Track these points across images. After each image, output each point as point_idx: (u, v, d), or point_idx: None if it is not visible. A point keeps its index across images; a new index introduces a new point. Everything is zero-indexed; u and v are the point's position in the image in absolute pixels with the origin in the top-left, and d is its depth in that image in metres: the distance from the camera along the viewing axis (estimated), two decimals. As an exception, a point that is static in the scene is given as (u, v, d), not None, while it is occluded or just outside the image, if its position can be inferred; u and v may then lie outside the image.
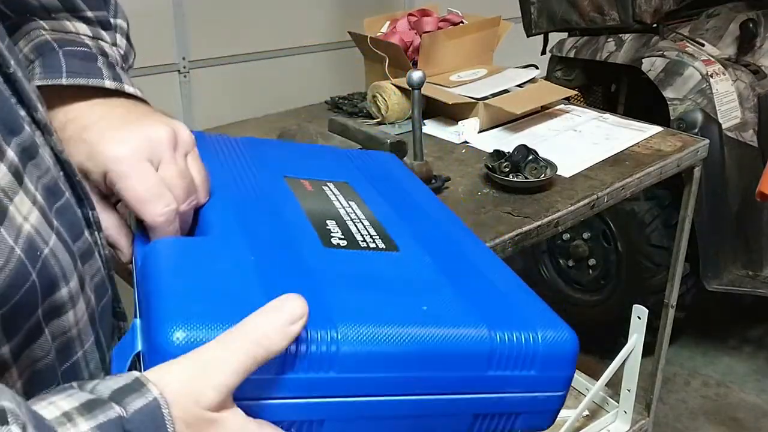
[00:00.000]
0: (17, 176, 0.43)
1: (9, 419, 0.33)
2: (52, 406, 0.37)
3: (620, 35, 2.05)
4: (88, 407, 0.37)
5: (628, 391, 1.39)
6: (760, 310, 2.27)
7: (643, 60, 1.92)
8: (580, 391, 1.47)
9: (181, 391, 0.40)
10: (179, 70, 2.33)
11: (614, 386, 1.42)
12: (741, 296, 2.13)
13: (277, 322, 0.42)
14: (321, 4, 2.60)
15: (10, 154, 0.43)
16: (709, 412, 2.03)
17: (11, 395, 0.35)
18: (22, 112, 0.48)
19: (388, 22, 1.68)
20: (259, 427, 0.43)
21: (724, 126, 1.88)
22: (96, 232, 0.54)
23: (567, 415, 1.38)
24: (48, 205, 0.47)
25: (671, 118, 1.87)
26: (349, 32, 1.64)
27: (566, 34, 2.20)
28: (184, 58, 2.32)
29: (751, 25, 2.04)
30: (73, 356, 0.49)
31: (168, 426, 0.39)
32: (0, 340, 0.42)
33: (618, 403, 1.42)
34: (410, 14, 1.68)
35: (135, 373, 0.40)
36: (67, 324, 0.47)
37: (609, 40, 2.06)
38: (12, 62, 0.48)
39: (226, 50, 2.40)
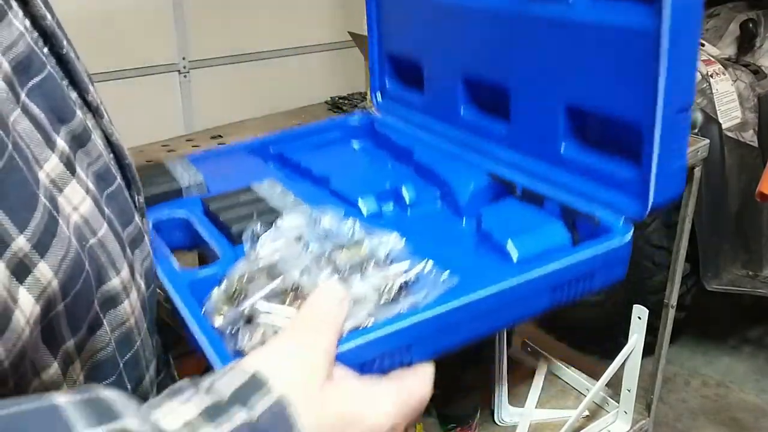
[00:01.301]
0: (69, 166, 0.43)
1: None
2: (172, 416, 0.36)
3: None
4: (211, 414, 0.36)
5: (629, 391, 1.38)
6: (760, 310, 2.27)
7: (643, 60, 1.92)
8: (580, 392, 1.47)
9: (293, 381, 0.41)
10: (179, 70, 2.32)
11: (614, 386, 1.42)
12: (741, 296, 2.13)
13: (331, 300, 0.49)
14: (321, 4, 2.60)
15: (61, 143, 0.43)
16: (709, 412, 2.03)
17: (135, 409, 0.34)
18: (74, 95, 0.48)
19: (388, 22, 1.68)
20: (363, 384, 0.46)
21: (724, 126, 1.88)
22: (143, 218, 0.54)
23: (567, 415, 1.38)
24: (99, 191, 0.46)
25: (671, 118, 1.87)
26: (349, 32, 1.63)
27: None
28: (184, 58, 2.31)
29: (751, 24, 2.04)
30: (134, 346, 0.48)
31: (296, 423, 0.38)
32: (66, 334, 0.41)
33: (618, 403, 1.42)
34: (410, 14, 1.68)
35: (246, 367, 0.40)
36: (123, 314, 0.46)
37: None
38: (64, 42, 0.47)
39: (226, 50, 2.40)
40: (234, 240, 0.73)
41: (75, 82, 0.48)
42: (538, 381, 1.48)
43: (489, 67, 0.90)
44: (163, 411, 0.36)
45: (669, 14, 0.67)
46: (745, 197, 1.92)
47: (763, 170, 1.52)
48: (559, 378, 1.51)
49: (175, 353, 1.33)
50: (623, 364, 1.36)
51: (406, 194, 0.86)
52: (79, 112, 0.46)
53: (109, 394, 0.34)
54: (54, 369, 0.40)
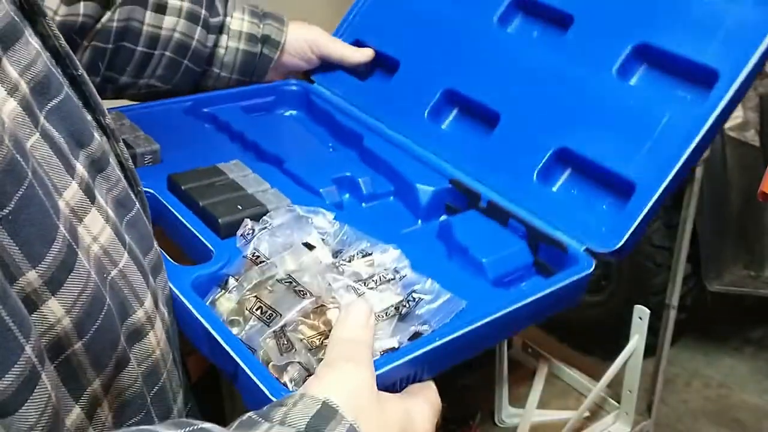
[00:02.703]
0: (88, 192, 0.41)
1: None
2: None
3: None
4: None
5: (630, 392, 1.38)
6: (762, 311, 2.26)
7: (645, 59, 1.92)
8: (581, 393, 1.47)
9: (359, 405, 0.43)
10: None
11: (615, 387, 1.42)
12: (743, 297, 2.13)
13: (362, 320, 0.52)
14: (321, 4, 2.60)
15: (80, 168, 0.41)
16: (711, 413, 2.03)
17: None
18: (89, 117, 0.46)
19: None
20: (401, 399, 0.51)
21: (725, 125, 1.87)
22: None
23: (568, 416, 1.37)
24: (119, 218, 0.45)
25: (673, 117, 1.86)
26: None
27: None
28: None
29: (752, 24, 2.03)
30: (161, 379, 0.47)
31: None
32: (89, 374, 0.39)
33: (619, 404, 1.41)
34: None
35: (315, 395, 0.41)
36: (149, 347, 0.45)
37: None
38: (79, 64, 0.46)
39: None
40: (221, 232, 0.71)
41: (90, 105, 0.46)
42: (539, 382, 1.47)
43: (483, 89, 0.93)
44: None
45: (724, 104, 0.75)
46: (746, 197, 1.91)
47: (765, 170, 1.51)
48: (560, 379, 1.51)
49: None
50: (624, 365, 1.35)
51: (363, 186, 0.86)
52: (96, 135, 0.45)
53: (207, 427, 0.36)
54: (77, 413, 0.38)
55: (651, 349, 1.46)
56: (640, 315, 1.32)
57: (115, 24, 0.88)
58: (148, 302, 0.45)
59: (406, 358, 0.57)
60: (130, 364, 0.43)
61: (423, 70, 0.99)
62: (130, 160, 0.50)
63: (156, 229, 0.54)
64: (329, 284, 0.60)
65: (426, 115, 0.96)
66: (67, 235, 0.36)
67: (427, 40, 1.01)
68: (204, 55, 0.95)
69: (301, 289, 0.59)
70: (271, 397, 0.52)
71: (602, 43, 0.86)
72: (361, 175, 0.87)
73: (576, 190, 0.84)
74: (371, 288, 0.62)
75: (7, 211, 0.33)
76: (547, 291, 0.69)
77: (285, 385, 0.55)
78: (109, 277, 0.41)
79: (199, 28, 0.93)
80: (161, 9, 0.91)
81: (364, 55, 1.03)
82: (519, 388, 1.46)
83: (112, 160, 0.47)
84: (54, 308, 0.35)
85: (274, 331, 0.57)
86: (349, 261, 0.65)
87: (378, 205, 0.87)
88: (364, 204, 0.86)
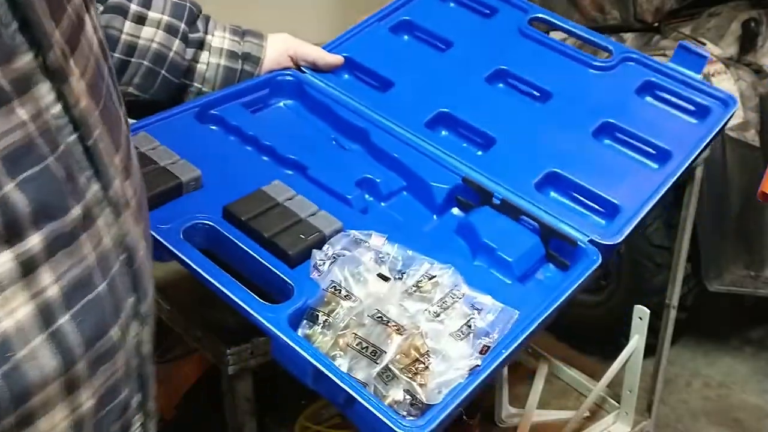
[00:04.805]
0: (25, 266, 0.39)
1: None
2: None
3: (621, 34, 2.04)
4: None
5: (630, 392, 1.38)
6: (762, 311, 2.26)
7: (645, 59, 1.92)
8: (581, 392, 1.47)
9: None
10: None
11: (615, 387, 1.42)
12: (743, 297, 2.12)
13: None
14: (321, 4, 2.60)
15: (33, 240, 0.39)
16: (711, 413, 2.03)
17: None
18: (96, 187, 0.44)
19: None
20: None
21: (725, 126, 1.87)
22: (143, 324, 0.50)
23: (568, 416, 1.37)
24: (66, 300, 0.42)
25: (673, 117, 1.86)
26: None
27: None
28: (183, 58, 2.31)
29: (753, 24, 2.03)
30: None
31: None
32: None
33: (619, 404, 1.41)
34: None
35: None
36: None
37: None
38: (97, 130, 0.43)
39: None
40: (291, 263, 0.76)
41: (100, 174, 0.44)
42: (539, 381, 1.47)
43: (477, 118, 1.00)
44: None
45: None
46: (746, 197, 1.91)
47: (765, 170, 1.51)
48: (560, 379, 1.51)
49: (174, 355, 1.32)
50: (624, 365, 1.35)
51: (382, 187, 0.90)
52: (77, 209, 0.42)
53: None
54: None
55: (651, 349, 1.46)
56: (640, 315, 1.33)
57: None
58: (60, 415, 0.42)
59: (489, 371, 0.66)
60: None
61: (418, 92, 1.03)
62: (131, 235, 0.47)
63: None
64: (410, 312, 0.69)
65: (424, 124, 0.99)
66: None
67: (421, 73, 1.07)
68: (182, 68, 0.98)
69: (394, 324, 0.67)
70: (390, 425, 0.61)
71: (578, 115, 1.01)
72: (376, 173, 0.91)
73: (570, 196, 0.93)
74: (445, 309, 0.70)
75: None
76: (577, 284, 0.78)
77: (392, 407, 0.64)
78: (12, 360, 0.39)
79: (177, 41, 0.96)
80: (141, 20, 0.94)
81: (337, 58, 1.07)
82: (519, 388, 1.46)
83: (107, 234, 0.45)
84: None
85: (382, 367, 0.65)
86: (418, 286, 0.72)
87: (395, 203, 0.91)
88: (383, 203, 0.90)
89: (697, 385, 2.13)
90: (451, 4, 1.17)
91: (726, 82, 1.89)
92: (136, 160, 0.52)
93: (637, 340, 1.34)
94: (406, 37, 1.13)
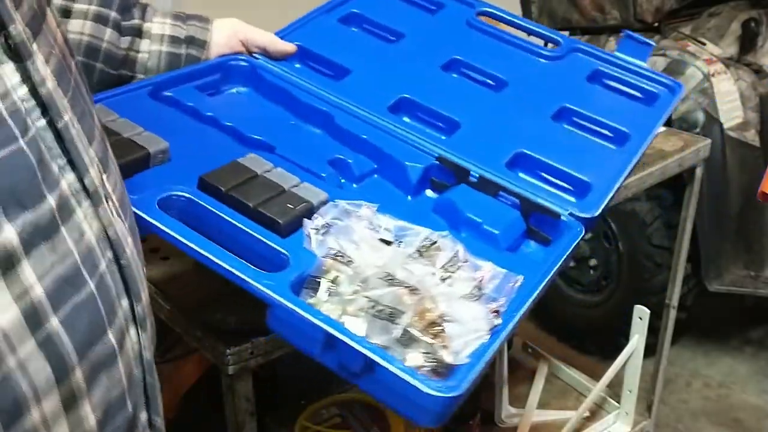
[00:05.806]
0: (4, 261, 0.37)
1: None
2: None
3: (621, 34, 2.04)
4: None
5: (630, 392, 1.38)
6: (762, 311, 2.26)
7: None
8: (581, 392, 1.47)
9: None
10: (179, 70, 2.32)
11: (615, 387, 1.42)
12: (743, 297, 2.12)
13: None
14: (320, 3, 2.60)
15: (6, 233, 0.37)
16: (711, 413, 2.03)
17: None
18: (71, 177, 0.42)
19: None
20: None
21: (725, 126, 1.87)
22: (137, 329, 0.47)
23: (568, 416, 1.37)
24: (55, 300, 0.39)
25: (673, 117, 1.86)
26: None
27: (567, 33, 2.19)
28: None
29: (753, 24, 2.03)
30: None
31: None
32: None
33: (619, 404, 1.41)
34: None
35: None
36: None
37: (610, 39, 2.05)
38: (66, 114, 0.42)
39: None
40: (282, 233, 0.72)
41: (74, 163, 0.42)
42: (539, 382, 1.47)
43: (439, 103, 1.00)
44: None
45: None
46: (746, 197, 1.91)
47: (765, 170, 1.51)
48: (560, 379, 1.51)
49: (174, 355, 1.32)
50: (624, 365, 1.35)
51: (354, 168, 0.88)
52: (51, 199, 0.40)
53: None
54: None
55: (651, 349, 1.46)
56: (640, 315, 1.33)
57: None
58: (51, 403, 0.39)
59: (508, 330, 0.66)
60: None
61: (376, 79, 1.02)
62: (116, 228, 0.45)
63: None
64: (417, 276, 0.66)
65: (387, 108, 0.98)
66: None
67: (377, 62, 1.06)
68: (118, 57, 0.93)
69: (407, 285, 0.64)
70: (422, 387, 0.57)
71: (535, 101, 1.03)
72: (347, 155, 0.89)
73: (539, 176, 0.94)
74: (452, 272, 0.69)
75: None
76: (565, 256, 0.80)
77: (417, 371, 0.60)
78: None
79: (108, 30, 0.91)
80: (67, 13, 0.89)
81: (288, 46, 1.05)
82: (519, 388, 1.45)
83: (88, 228, 0.42)
84: None
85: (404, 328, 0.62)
86: (420, 251, 0.71)
87: (368, 184, 0.88)
88: (355, 185, 0.88)
89: (697, 385, 2.13)
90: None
91: (726, 82, 1.89)
92: (113, 157, 0.50)
93: (637, 340, 1.34)
94: (355, 29, 1.13)
